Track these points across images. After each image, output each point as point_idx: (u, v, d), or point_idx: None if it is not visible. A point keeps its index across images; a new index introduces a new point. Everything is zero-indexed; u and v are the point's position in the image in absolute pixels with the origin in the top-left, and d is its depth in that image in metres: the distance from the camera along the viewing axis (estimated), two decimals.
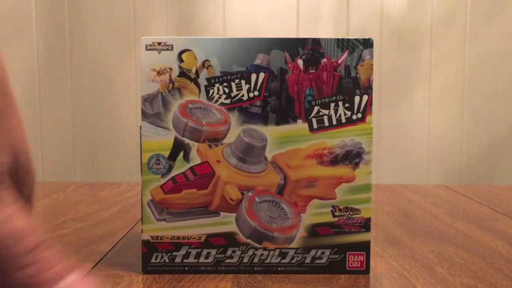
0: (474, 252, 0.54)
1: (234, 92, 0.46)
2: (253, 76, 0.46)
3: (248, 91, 0.46)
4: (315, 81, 0.46)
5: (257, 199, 0.47)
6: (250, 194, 0.47)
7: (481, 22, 1.14)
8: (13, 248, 0.24)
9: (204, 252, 0.47)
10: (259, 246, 0.47)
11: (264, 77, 0.46)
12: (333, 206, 0.47)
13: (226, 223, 0.47)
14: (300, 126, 0.47)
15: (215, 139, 0.46)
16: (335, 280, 0.46)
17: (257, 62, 0.46)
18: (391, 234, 0.61)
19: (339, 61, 0.46)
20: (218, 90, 0.46)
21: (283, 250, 0.47)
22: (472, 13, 1.14)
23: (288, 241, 0.47)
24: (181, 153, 0.46)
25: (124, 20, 1.13)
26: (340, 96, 0.46)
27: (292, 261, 0.48)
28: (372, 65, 0.46)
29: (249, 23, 1.13)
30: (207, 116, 0.46)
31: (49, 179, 1.14)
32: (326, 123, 0.47)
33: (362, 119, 0.47)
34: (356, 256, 0.48)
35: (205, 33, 1.13)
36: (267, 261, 0.47)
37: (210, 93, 0.46)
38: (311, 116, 0.47)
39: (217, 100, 0.46)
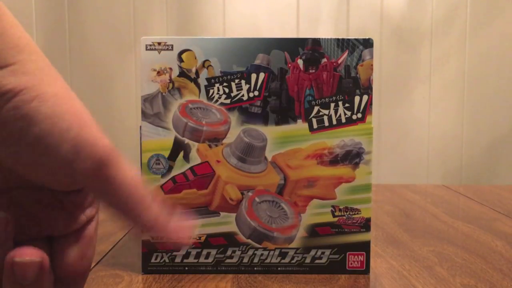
0: (474, 252, 0.54)
1: (234, 92, 0.46)
2: (253, 76, 0.46)
3: (248, 91, 0.46)
4: (315, 81, 0.46)
5: (257, 199, 0.47)
6: (250, 194, 0.47)
7: (481, 22, 1.14)
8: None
9: (204, 252, 0.47)
10: (259, 246, 0.47)
11: (264, 77, 0.46)
12: (333, 206, 0.47)
13: (226, 223, 0.47)
14: (300, 126, 0.47)
15: (215, 139, 0.46)
16: (335, 280, 0.46)
17: (257, 62, 0.46)
18: (391, 234, 0.61)
19: (339, 61, 0.46)
20: (218, 90, 0.46)
21: (283, 250, 0.47)
22: (472, 13, 1.14)
23: (288, 241, 0.47)
24: (181, 153, 0.46)
25: (124, 20, 1.13)
26: (340, 96, 0.46)
27: (292, 261, 0.48)
28: (372, 65, 0.46)
29: (249, 23, 1.13)
30: (207, 116, 0.46)
31: None
32: (326, 123, 0.47)
33: (362, 119, 0.47)
34: (356, 256, 0.48)
35: (205, 33, 1.13)
36: (267, 261, 0.47)
37: (210, 93, 0.46)
38: (311, 116, 0.47)
39: (217, 100, 0.46)
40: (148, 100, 0.46)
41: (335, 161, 0.47)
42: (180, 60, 0.46)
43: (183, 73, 0.46)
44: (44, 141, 0.23)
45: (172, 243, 0.26)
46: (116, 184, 0.24)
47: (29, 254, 0.23)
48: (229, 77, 0.46)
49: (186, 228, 0.27)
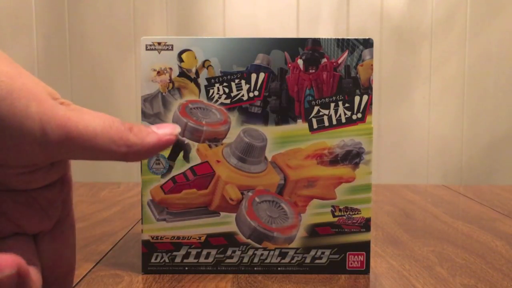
0: (474, 252, 0.54)
1: (234, 92, 0.46)
2: (253, 76, 0.46)
3: (248, 91, 0.46)
4: (315, 81, 0.46)
5: (257, 199, 0.47)
6: (250, 194, 0.47)
7: (481, 22, 1.14)
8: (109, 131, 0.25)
9: (204, 252, 0.47)
10: (259, 246, 0.47)
11: (264, 77, 0.46)
12: (333, 206, 0.47)
13: (226, 223, 0.47)
14: (300, 126, 0.47)
15: (215, 139, 0.46)
16: (335, 280, 0.46)
17: (257, 62, 0.46)
18: (391, 234, 0.61)
19: (339, 61, 0.46)
20: (218, 90, 0.46)
21: (283, 250, 0.47)
22: (472, 13, 1.14)
23: (288, 241, 0.47)
24: (181, 153, 0.46)
25: (124, 20, 1.13)
26: (340, 96, 0.46)
27: (292, 261, 0.48)
28: (372, 65, 0.46)
29: (249, 23, 1.13)
30: (207, 116, 0.46)
31: None
32: (326, 123, 0.47)
33: (362, 119, 0.47)
34: (356, 256, 0.48)
35: (205, 33, 1.13)
36: (267, 261, 0.47)
37: (210, 93, 0.46)
38: (311, 116, 0.47)
39: (217, 100, 0.46)
40: (148, 100, 0.46)
41: (335, 161, 0.47)
42: (180, 60, 0.46)
43: (183, 73, 0.46)
44: (7, 122, 0.23)
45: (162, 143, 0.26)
46: (87, 141, 0.24)
47: (2, 267, 0.21)
48: (229, 77, 0.46)
49: (170, 127, 0.27)
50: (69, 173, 0.28)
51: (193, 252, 0.47)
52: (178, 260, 0.47)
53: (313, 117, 0.47)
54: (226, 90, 0.46)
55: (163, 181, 0.47)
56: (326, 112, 0.47)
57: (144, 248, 0.47)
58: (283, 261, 0.48)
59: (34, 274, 0.25)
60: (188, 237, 0.47)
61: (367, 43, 0.46)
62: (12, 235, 0.26)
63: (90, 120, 0.24)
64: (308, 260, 0.48)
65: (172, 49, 0.46)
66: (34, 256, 0.26)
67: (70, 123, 0.24)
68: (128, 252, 0.54)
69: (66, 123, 0.24)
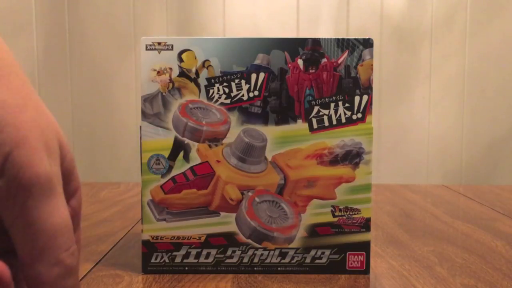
0: (474, 252, 0.54)
1: (234, 92, 0.46)
2: (253, 76, 0.46)
3: (248, 91, 0.46)
4: (315, 81, 0.46)
5: (257, 199, 0.47)
6: (250, 194, 0.47)
7: (481, 22, 1.14)
8: (55, 241, 0.22)
9: (204, 252, 0.47)
10: (259, 246, 0.47)
11: (264, 77, 0.46)
12: (333, 206, 0.47)
13: (226, 223, 0.47)
14: (300, 126, 0.47)
15: (215, 139, 0.46)
16: (335, 280, 0.46)
17: (257, 62, 0.46)
18: (391, 234, 0.61)
19: (339, 61, 0.46)
20: (218, 90, 0.46)
21: (283, 250, 0.47)
22: (472, 13, 1.14)
23: (288, 241, 0.47)
24: (181, 153, 0.46)
25: (124, 20, 1.13)
26: (340, 96, 0.46)
27: (292, 261, 0.48)
28: (372, 65, 0.46)
29: (249, 23, 1.13)
30: (207, 116, 0.46)
31: None
32: (326, 123, 0.47)
33: (362, 119, 0.47)
34: (356, 256, 0.48)
35: (205, 33, 1.13)
36: (267, 261, 0.47)
37: (210, 93, 0.46)
38: (311, 116, 0.47)
39: (217, 100, 0.46)
40: (148, 100, 0.46)
41: (335, 161, 0.47)
42: (180, 60, 0.46)
43: (183, 73, 0.46)
44: None
45: None
46: (28, 220, 0.21)
47: None
48: (229, 77, 0.46)
49: None
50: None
51: (193, 252, 0.47)
52: (178, 260, 0.47)
53: (313, 117, 0.47)
54: (226, 90, 0.46)
55: (163, 181, 0.47)
56: (326, 112, 0.47)
57: (144, 248, 0.47)
58: (283, 261, 0.48)
59: None
60: (188, 237, 0.47)
61: (367, 43, 0.46)
62: (2, 252, 0.25)
63: (54, 205, 0.21)
64: (308, 260, 0.48)
65: (172, 49, 0.46)
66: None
67: (38, 189, 0.21)
68: (128, 252, 0.54)
69: (33, 184, 0.21)
